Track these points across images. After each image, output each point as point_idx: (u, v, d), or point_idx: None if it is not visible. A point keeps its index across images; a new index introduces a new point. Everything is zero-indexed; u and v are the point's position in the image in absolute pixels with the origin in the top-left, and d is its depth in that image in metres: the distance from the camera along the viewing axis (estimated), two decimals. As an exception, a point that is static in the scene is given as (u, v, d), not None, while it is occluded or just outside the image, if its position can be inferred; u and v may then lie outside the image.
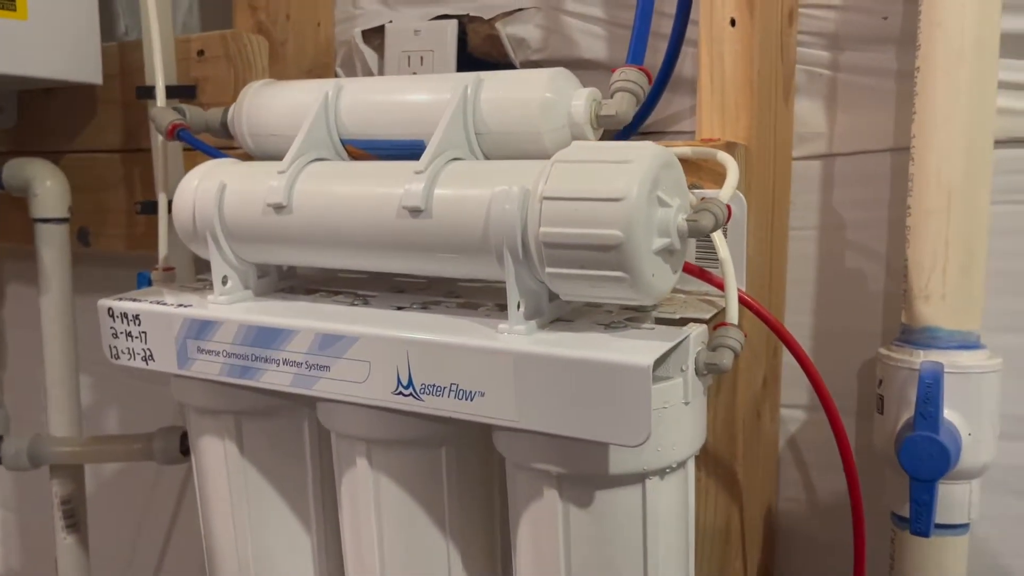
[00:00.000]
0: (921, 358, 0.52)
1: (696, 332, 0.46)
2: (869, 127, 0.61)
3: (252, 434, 0.59)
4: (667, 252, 0.44)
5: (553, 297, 0.48)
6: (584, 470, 0.45)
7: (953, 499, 0.53)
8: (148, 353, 0.57)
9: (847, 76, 0.61)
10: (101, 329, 0.59)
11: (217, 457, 0.60)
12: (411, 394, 0.47)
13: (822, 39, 0.62)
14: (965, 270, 0.53)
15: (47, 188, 0.79)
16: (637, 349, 0.42)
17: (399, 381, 0.47)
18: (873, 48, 0.60)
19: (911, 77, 0.55)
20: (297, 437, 0.60)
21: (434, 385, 0.46)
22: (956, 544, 0.54)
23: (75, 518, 0.83)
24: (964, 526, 0.54)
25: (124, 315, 0.58)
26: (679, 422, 0.45)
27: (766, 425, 0.64)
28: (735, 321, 0.47)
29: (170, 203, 0.71)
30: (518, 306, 0.46)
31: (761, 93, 0.57)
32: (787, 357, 0.66)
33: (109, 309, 0.58)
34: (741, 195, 0.53)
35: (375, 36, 0.80)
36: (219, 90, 0.74)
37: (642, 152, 0.42)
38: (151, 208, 0.74)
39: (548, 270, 0.44)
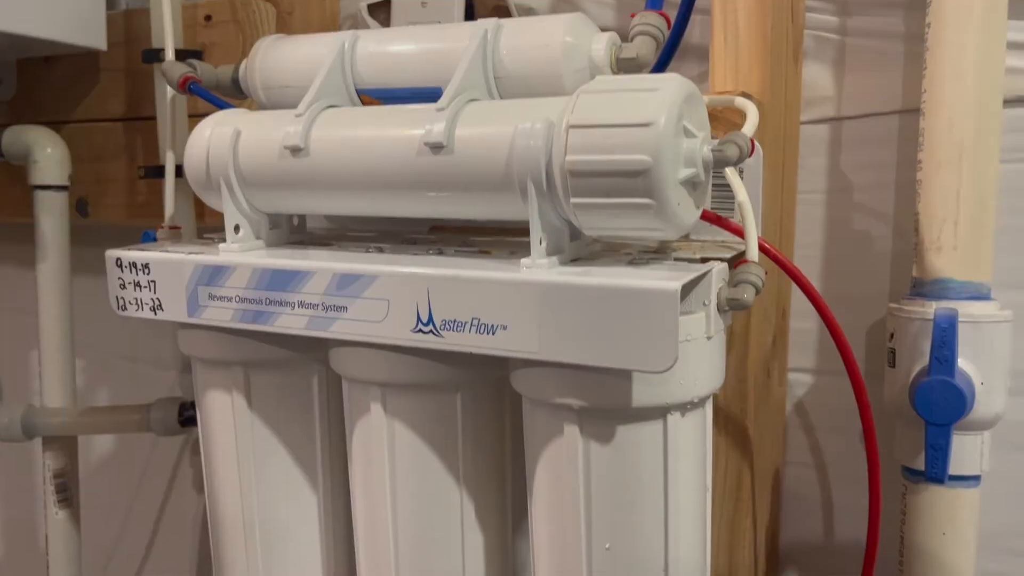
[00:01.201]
0: (934, 308, 0.53)
1: (718, 268, 0.46)
2: (877, 90, 0.61)
3: (261, 387, 0.58)
4: (691, 185, 0.44)
5: (575, 237, 0.48)
6: (606, 403, 0.45)
7: (965, 450, 0.54)
8: (157, 303, 0.57)
9: (855, 40, 0.62)
10: (108, 280, 0.58)
11: (224, 411, 0.59)
12: (431, 331, 0.47)
13: (830, 4, 0.62)
14: (976, 221, 0.53)
15: (47, 155, 0.78)
16: (663, 276, 0.42)
17: (419, 318, 0.47)
18: (881, 12, 0.61)
19: (919, 40, 0.56)
20: (306, 392, 0.59)
21: (455, 320, 0.46)
22: (968, 496, 0.55)
23: (67, 493, 0.81)
24: (976, 478, 0.54)
25: (133, 264, 0.57)
26: (701, 357, 0.45)
27: (775, 387, 0.64)
28: (755, 259, 0.47)
29: (179, 167, 0.71)
30: (540, 241, 0.46)
31: (773, 51, 0.57)
32: (793, 321, 0.66)
33: (117, 259, 0.58)
34: (758, 144, 0.53)
35: (381, 10, 0.80)
36: (226, 55, 0.73)
37: (668, 81, 0.43)
38: (154, 172, 0.74)
39: (573, 200, 0.44)
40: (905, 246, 0.61)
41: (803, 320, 0.65)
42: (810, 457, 0.66)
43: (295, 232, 0.61)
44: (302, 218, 0.61)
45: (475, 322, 0.46)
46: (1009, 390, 0.54)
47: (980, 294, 0.54)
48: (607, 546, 0.47)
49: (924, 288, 0.55)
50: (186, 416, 0.78)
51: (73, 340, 0.81)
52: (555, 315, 0.43)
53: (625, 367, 0.42)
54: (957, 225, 0.53)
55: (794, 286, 0.65)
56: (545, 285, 0.43)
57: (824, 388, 0.66)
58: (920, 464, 0.54)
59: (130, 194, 0.81)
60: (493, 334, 0.45)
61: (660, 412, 0.45)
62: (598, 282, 0.42)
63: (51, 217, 0.78)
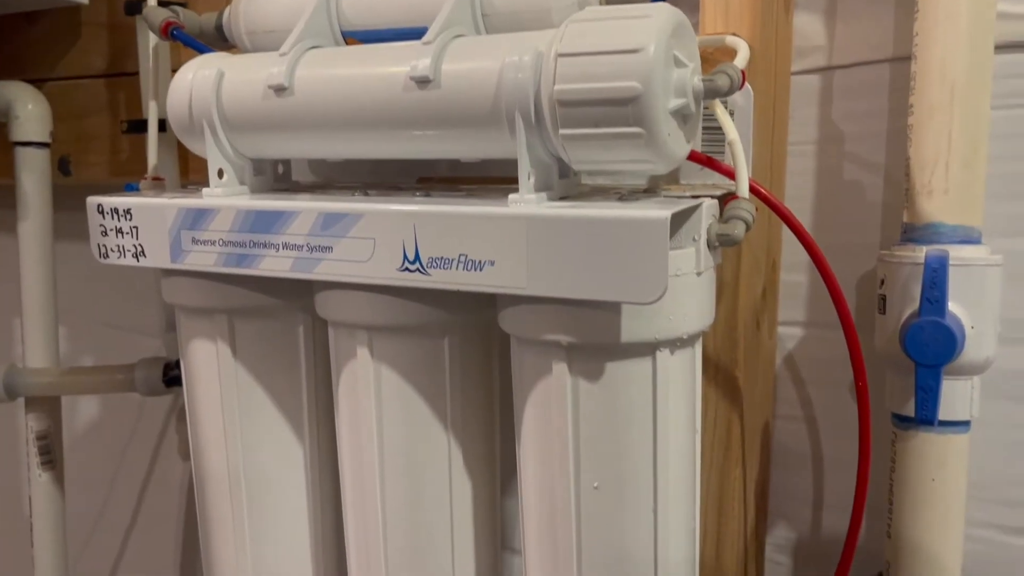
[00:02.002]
0: (924, 252, 0.52)
1: (708, 203, 0.45)
2: (868, 38, 0.61)
3: (246, 336, 0.57)
4: (682, 117, 0.44)
5: (563, 175, 0.48)
6: (595, 339, 0.44)
7: (956, 395, 0.53)
8: (139, 249, 0.56)
9: (846, -12, 0.61)
10: (90, 228, 0.58)
11: (208, 361, 0.58)
12: (417, 269, 0.46)
13: (822, -49, 0.62)
14: (968, 164, 0.53)
15: (28, 111, 0.77)
16: (653, 208, 0.41)
17: (405, 256, 0.46)
18: (872, -42, 0.60)
19: (910, -15, 0.56)
20: (292, 341, 0.59)
21: (442, 258, 0.45)
22: (958, 442, 0.54)
23: (51, 455, 0.80)
24: (966, 423, 0.54)
25: (115, 210, 0.56)
26: (690, 292, 0.45)
27: (765, 339, 0.64)
28: (746, 195, 0.46)
29: (162, 122, 0.70)
30: (529, 176, 0.45)
31: (764, -4, 0.57)
32: (784, 274, 0.66)
33: (99, 205, 0.57)
34: (748, 86, 0.52)
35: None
36: (211, 6, 0.72)
37: (658, 9, 0.42)
38: (137, 127, 0.73)
39: (562, 132, 0.43)
40: (896, 196, 0.61)
41: (794, 273, 0.65)
42: (800, 411, 0.66)
43: (280, 180, 0.60)
44: (287, 166, 0.61)
45: (462, 259, 0.45)
46: (999, 337, 0.54)
47: (971, 238, 0.53)
48: (596, 485, 0.46)
49: (915, 233, 0.54)
50: (171, 376, 0.78)
51: (56, 299, 0.80)
52: (543, 249, 0.43)
53: (614, 299, 0.42)
54: (948, 168, 0.53)
55: (784, 239, 0.65)
56: (533, 218, 0.43)
57: (814, 340, 0.65)
58: (910, 410, 0.54)
59: (113, 152, 0.80)
60: (480, 270, 0.45)
61: (649, 348, 0.45)
62: (587, 214, 0.42)
63: (32, 174, 0.77)
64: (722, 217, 0.46)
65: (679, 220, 0.44)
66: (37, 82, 0.81)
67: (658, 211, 0.40)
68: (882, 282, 0.56)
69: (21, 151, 0.77)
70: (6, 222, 0.83)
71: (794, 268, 0.65)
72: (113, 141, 0.80)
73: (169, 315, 0.80)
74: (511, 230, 0.43)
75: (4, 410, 0.86)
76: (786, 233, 0.65)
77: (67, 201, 0.83)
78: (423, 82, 0.46)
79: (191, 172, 0.74)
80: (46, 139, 0.78)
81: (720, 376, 0.59)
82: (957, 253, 0.52)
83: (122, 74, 0.79)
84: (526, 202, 0.45)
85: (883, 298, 0.56)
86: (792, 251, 0.65)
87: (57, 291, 0.81)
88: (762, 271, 0.62)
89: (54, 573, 0.82)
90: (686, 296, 0.45)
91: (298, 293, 0.56)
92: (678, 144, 0.44)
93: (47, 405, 0.80)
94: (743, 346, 0.60)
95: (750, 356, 0.61)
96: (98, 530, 1.02)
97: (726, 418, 0.60)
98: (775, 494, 0.67)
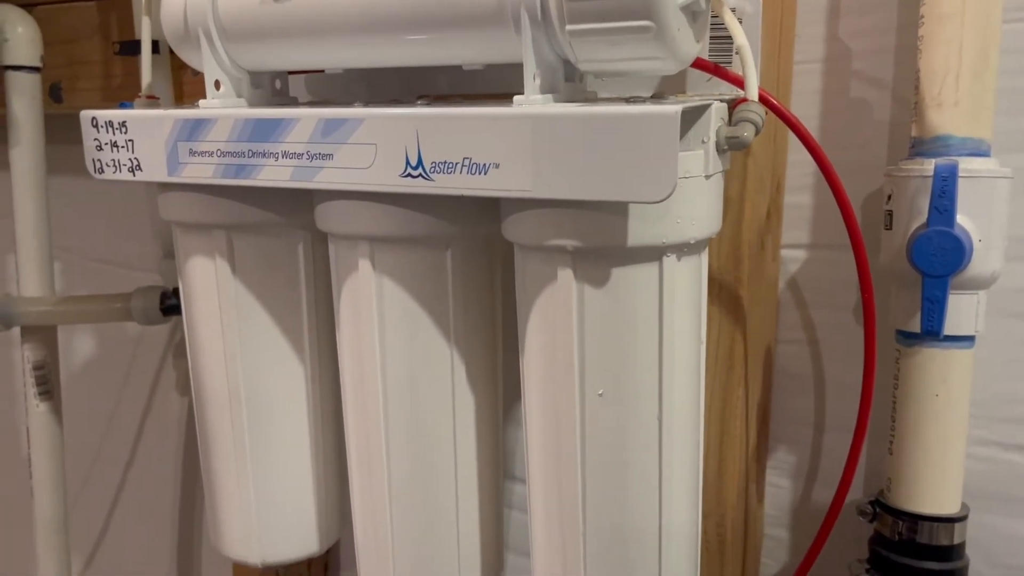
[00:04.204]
0: (933, 164, 0.52)
1: (717, 105, 0.44)
2: (878, -50, 0.60)
3: (244, 252, 0.57)
4: (691, 13, 0.43)
5: (569, 78, 0.47)
6: (601, 243, 0.44)
7: (961, 309, 0.53)
8: (135, 163, 0.55)
9: (856, -100, 0.60)
10: (84, 143, 0.56)
11: (207, 279, 0.58)
12: (420, 174, 0.45)
13: None
14: (978, 76, 0.52)
15: (18, 34, 0.75)
16: (662, 106, 0.41)
17: (407, 162, 0.46)
18: None
19: None
20: (291, 258, 0.58)
21: (445, 162, 0.45)
22: (962, 358, 0.54)
23: (48, 384, 0.80)
24: (971, 338, 0.54)
25: (109, 123, 0.55)
26: (698, 195, 0.44)
27: (768, 261, 0.63)
28: (755, 98, 0.45)
29: (155, 43, 0.69)
30: (534, 77, 0.44)
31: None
32: (788, 197, 0.65)
33: (93, 119, 0.56)
34: (756, -10, 0.51)
35: None
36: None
37: (669, -100, 0.41)
38: (130, 48, 0.71)
39: (569, 27, 0.42)
40: (903, 114, 0.60)
41: (798, 195, 0.64)
42: (803, 334, 0.66)
43: (277, 95, 0.59)
44: (284, 82, 0.59)
45: (466, 162, 0.44)
46: (1006, 253, 0.54)
47: (980, 151, 0.52)
48: (600, 392, 0.46)
49: (923, 146, 0.53)
50: (168, 304, 0.77)
51: (50, 227, 0.79)
52: (549, 150, 0.42)
53: (623, 199, 0.41)
54: (959, 79, 0.52)
55: (790, 161, 0.64)
56: (539, 117, 0.42)
57: (817, 263, 0.65)
58: (915, 326, 0.54)
59: (105, 77, 0.79)
60: (485, 174, 0.44)
61: (656, 253, 0.44)
62: (595, 111, 0.41)
63: (24, 99, 0.76)
64: (731, 120, 0.45)
65: (688, 120, 0.43)
66: (26, 6, 0.79)
67: (668, 107, 0.39)
68: (889, 197, 0.55)
69: (12, 75, 0.75)
70: (-1, 157, 0.82)
71: (799, 190, 0.64)
72: (106, 66, 0.78)
73: (166, 243, 0.79)
74: (516, 131, 0.42)
75: (1, 341, 0.86)
76: (791, 155, 0.64)
77: (59, 134, 0.82)
78: (426, -19, 0.45)
79: (185, 97, 0.72)
80: (37, 63, 0.76)
81: (724, 295, 0.59)
82: (966, 165, 0.52)
83: (113, -5, 0.77)
84: (531, 103, 0.44)
85: (889, 213, 0.55)
86: (797, 173, 0.64)
87: (52, 227, 0.80)
88: (767, 192, 0.61)
89: (53, 505, 0.82)
90: (694, 199, 0.44)
91: (298, 209, 0.55)
92: (687, 42, 0.43)
93: (43, 335, 0.80)
94: (747, 265, 0.59)
95: (754, 276, 0.60)
96: (97, 467, 1.02)
97: (729, 337, 0.60)
98: (776, 417, 0.67)
